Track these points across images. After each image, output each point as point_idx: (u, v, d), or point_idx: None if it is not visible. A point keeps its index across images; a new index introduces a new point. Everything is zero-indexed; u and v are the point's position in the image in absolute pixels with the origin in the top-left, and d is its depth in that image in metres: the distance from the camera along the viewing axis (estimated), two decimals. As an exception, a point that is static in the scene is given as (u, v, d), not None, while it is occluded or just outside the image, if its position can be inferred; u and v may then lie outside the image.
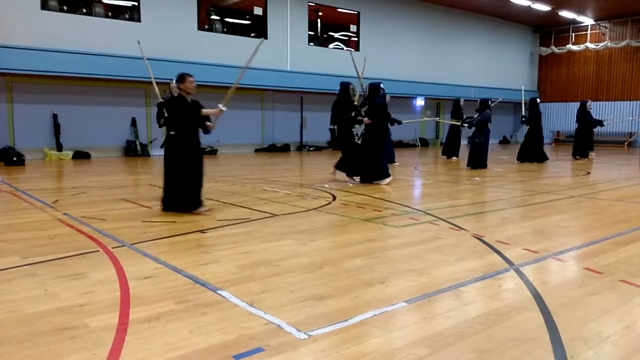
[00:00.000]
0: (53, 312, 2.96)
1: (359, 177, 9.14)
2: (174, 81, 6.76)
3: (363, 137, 9.00)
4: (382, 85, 9.02)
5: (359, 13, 20.56)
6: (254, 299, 3.19)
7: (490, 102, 13.05)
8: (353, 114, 8.95)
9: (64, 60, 13.68)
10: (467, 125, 14.78)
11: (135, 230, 5.21)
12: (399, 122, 14.46)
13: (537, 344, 2.58)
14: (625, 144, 22.63)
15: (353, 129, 9.34)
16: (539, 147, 14.43)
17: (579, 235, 5.30)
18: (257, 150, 18.61)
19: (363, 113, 8.95)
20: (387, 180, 8.85)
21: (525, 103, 15.29)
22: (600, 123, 16.61)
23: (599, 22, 25.25)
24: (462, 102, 15.54)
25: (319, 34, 20.23)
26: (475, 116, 13.15)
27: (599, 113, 22.78)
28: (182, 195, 6.03)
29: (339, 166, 9.40)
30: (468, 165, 12.50)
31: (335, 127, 9.53)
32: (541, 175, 11.30)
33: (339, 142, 9.55)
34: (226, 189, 8.54)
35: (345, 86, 9.35)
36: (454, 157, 15.21)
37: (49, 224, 5.53)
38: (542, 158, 14.38)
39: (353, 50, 20.25)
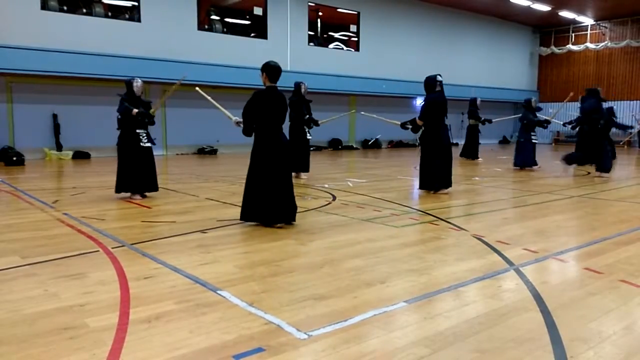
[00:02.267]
0: (53, 312, 2.96)
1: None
2: (138, 81, 7.30)
3: (420, 141, 8.10)
4: (439, 78, 7.73)
5: (359, 13, 20.57)
6: (253, 299, 3.18)
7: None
8: (403, 123, 8.18)
9: (64, 60, 13.69)
10: (488, 122, 14.80)
11: (135, 231, 5.21)
12: (489, 121, 14.80)
13: (537, 344, 2.57)
14: (623, 142, 22.60)
15: (305, 128, 9.97)
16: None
17: (579, 235, 5.30)
18: (257, 150, 18.55)
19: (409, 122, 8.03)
20: (446, 190, 7.88)
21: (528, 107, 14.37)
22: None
23: (599, 22, 25.25)
24: (479, 102, 15.26)
25: (319, 34, 20.24)
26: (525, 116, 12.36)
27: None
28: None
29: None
30: (525, 166, 12.12)
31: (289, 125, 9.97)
32: (541, 175, 11.29)
33: (290, 139, 9.80)
34: (226, 189, 8.54)
35: (296, 85, 9.89)
36: (479, 159, 15.00)
37: (49, 224, 5.52)
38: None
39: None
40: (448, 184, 7.89)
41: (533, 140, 12.23)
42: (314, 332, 2.68)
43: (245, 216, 5.41)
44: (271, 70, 5.30)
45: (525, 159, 12.17)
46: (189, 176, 10.56)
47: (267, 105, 5.27)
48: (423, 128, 7.86)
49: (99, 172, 11.17)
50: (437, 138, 7.78)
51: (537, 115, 12.56)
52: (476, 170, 12.06)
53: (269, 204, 5.26)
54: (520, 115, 12.59)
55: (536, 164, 12.29)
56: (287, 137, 9.41)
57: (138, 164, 7.05)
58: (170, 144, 16.91)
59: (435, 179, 7.79)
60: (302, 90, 9.90)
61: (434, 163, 7.77)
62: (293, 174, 9.69)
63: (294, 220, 5.47)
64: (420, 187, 8.01)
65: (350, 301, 3.17)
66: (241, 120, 5.46)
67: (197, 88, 6.89)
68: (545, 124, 12.41)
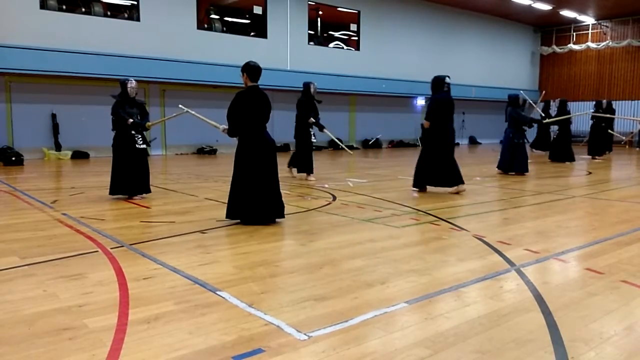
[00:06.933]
0: (52, 312, 2.95)
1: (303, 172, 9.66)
2: (133, 82, 7.18)
3: (422, 141, 8.02)
4: (448, 80, 7.70)
5: (359, 12, 20.53)
6: (253, 299, 3.17)
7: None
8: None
9: (63, 59, 13.66)
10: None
11: (134, 231, 5.20)
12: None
13: (538, 345, 2.56)
14: (624, 141, 22.56)
15: (311, 129, 9.67)
16: (568, 146, 14.35)
17: (580, 236, 5.28)
18: (257, 150, 18.51)
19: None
20: (453, 189, 7.84)
21: (529, 103, 13.05)
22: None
23: (600, 21, 25.23)
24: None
25: (319, 33, 20.21)
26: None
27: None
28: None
29: (293, 163, 10.06)
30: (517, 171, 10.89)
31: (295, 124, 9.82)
32: (542, 175, 11.26)
33: (296, 140, 9.84)
34: (225, 189, 8.50)
35: (305, 86, 9.74)
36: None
37: (48, 224, 5.51)
38: (572, 158, 14.16)
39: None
40: (456, 182, 7.86)
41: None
42: (314, 333, 2.67)
43: (230, 214, 5.49)
44: (251, 70, 5.46)
45: (523, 163, 10.83)
46: (189, 176, 10.55)
47: (250, 105, 5.39)
48: (428, 127, 7.81)
49: (98, 172, 11.15)
50: (443, 138, 7.73)
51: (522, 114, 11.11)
52: (477, 170, 12.04)
53: (251, 204, 5.36)
54: (509, 113, 10.93)
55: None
56: (294, 136, 9.59)
57: (132, 166, 7.04)
58: (169, 143, 16.88)
59: (441, 177, 7.78)
60: (312, 90, 9.67)
61: (438, 162, 7.73)
62: (304, 174, 9.64)
63: (282, 217, 5.55)
64: (415, 186, 8.00)
65: (350, 302, 3.15)
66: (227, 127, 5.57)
67: (180, 105, 7.12)
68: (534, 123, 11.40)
